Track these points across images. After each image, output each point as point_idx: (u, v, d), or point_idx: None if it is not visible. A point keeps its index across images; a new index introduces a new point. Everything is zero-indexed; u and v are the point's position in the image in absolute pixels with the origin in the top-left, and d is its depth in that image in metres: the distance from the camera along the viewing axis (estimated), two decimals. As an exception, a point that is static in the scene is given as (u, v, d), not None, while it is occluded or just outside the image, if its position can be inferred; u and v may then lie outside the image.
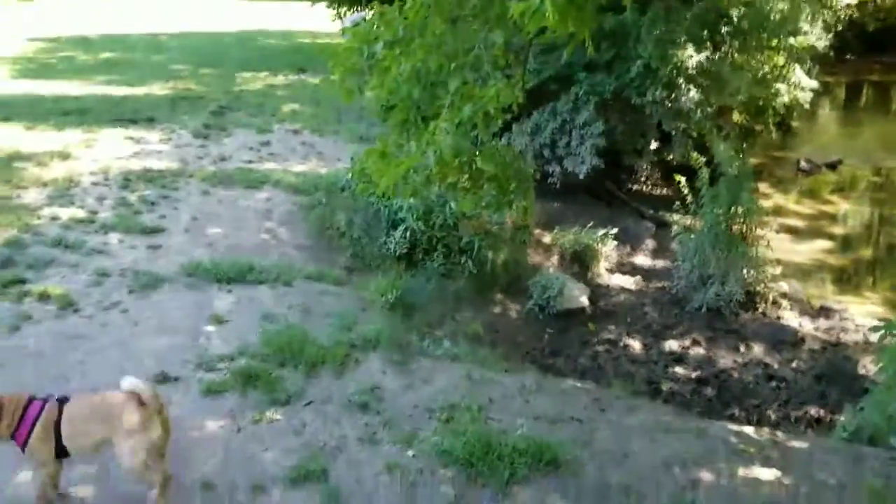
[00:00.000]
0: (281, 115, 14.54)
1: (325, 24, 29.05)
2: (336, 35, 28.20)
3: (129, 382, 3.82)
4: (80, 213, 8.57)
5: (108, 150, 11.13)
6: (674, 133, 11.88)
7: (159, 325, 6.24)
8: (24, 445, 3.74)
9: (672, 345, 8.53)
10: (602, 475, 4.83)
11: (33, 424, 3.64)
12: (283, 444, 4.81)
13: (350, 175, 9.30)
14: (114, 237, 8.07)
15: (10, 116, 12.36)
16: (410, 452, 4.83)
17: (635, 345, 8.56)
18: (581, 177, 11.35)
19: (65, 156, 10.64)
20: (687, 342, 8.59)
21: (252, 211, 9.41)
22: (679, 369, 8.05)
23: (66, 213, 8.52)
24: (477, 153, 4.54)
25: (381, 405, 5.35)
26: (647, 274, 10.51)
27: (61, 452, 3.72)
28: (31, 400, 3.74)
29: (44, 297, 6.49)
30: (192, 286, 7.04)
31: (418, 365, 6.13)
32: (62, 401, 3.78)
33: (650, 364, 8.17)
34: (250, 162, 11.36)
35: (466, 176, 4.68)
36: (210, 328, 6.26)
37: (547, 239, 10.67)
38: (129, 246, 7.92)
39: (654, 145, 12.60)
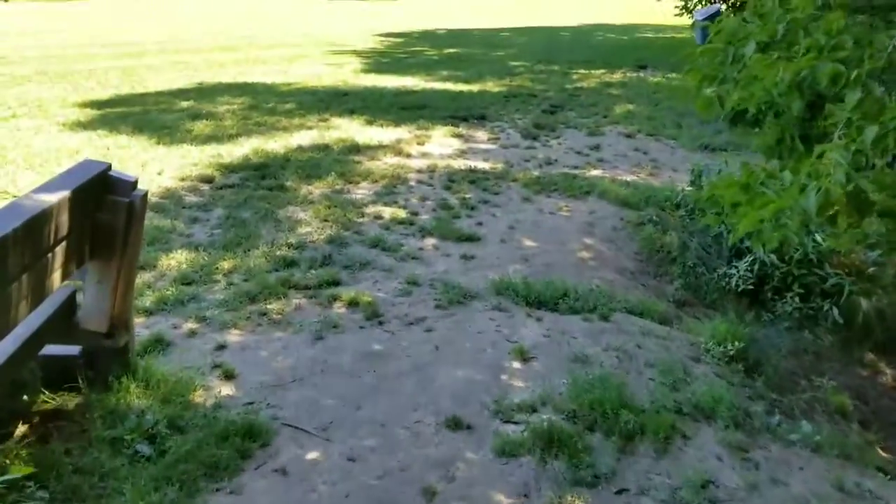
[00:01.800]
0: (614, 116, 13.51)
1: (669, 18, 27.42)
2: (682, 29, 26.47)
3: None
4: (402, 214, 8.40)
5: (438, 148, 11.07)
6: None
7: (460, 353, 5.60)
8: None
9: None
10: None
11: None
12: (582, 545, 3.80)
13: (694, 200, 8.02)
14: (429, 242, 7.74)
15: (354, 109, 12.95)
16: None
17: None
18: None
19: (397, 151, 10.75)
20: None
21: (573, 223, 8.53)
22: None
23: (388, 212, 8.41)
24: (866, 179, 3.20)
25: (714, 510, 4.09)
26: None
27: None
28: None
29: (352, 305, 6.23)
30: (499, 307, 6.35)
31: (765, 453, 4.70)
32: None
33: None
34: (576, 167, 10.51)
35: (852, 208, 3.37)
36: (514, 364, 5.46)
37: (944, 288, 8.28)
38: (444, 253, 7.52)
39: None
